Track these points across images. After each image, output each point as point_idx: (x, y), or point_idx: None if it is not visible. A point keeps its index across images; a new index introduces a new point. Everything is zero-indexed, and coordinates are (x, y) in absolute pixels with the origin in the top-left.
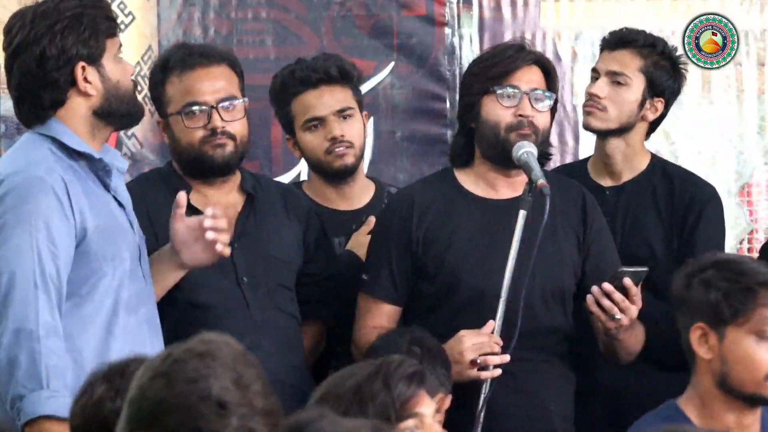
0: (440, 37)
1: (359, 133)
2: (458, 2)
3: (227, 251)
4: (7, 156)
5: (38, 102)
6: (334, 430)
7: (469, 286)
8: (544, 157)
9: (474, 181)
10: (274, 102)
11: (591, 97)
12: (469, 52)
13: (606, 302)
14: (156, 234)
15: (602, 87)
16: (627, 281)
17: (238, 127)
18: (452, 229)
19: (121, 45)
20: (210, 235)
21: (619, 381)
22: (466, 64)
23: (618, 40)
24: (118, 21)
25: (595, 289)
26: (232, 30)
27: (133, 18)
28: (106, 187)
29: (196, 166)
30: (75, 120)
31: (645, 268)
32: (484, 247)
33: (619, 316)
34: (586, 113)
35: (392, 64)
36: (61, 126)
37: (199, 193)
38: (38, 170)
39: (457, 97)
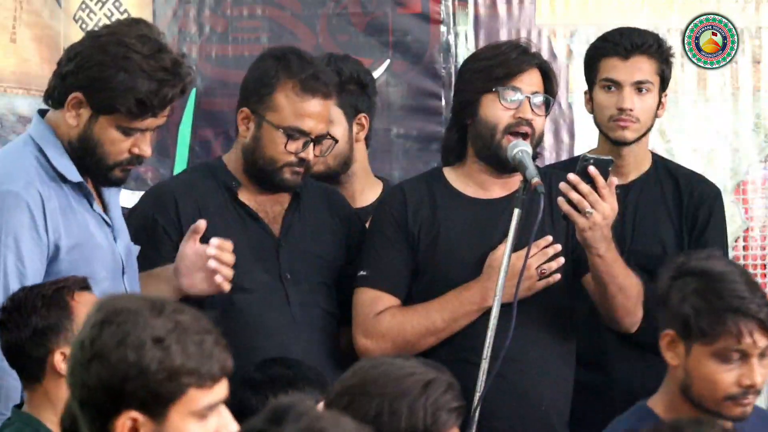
0: (435, 34)
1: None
2: (453, 0)
3: (227, 286)
4: None
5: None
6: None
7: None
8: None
9: (464, 181)
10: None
11: (622, 111)
12: (464, 49)
13: (574, 195)
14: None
15: (632, 99)
16: (592, 170)
17: (316, 159)
18: (441, 229)
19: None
20: (212, 263)
21: (634, 376)
22: (461, 62)
23: (631, 47)
24: (113, 19)
25: (562, 184)
26: (228, 27)
27: (128, 16)
28: (91, 204)
29: (264, 178)
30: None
31: (610, 158)
32: (474, 246)
33: (589, 210)
34: (621, 128)
35: (387, 61)
36: (49, 136)
37: (247, 191)
38: (16, 185)
39: (452, 93)
